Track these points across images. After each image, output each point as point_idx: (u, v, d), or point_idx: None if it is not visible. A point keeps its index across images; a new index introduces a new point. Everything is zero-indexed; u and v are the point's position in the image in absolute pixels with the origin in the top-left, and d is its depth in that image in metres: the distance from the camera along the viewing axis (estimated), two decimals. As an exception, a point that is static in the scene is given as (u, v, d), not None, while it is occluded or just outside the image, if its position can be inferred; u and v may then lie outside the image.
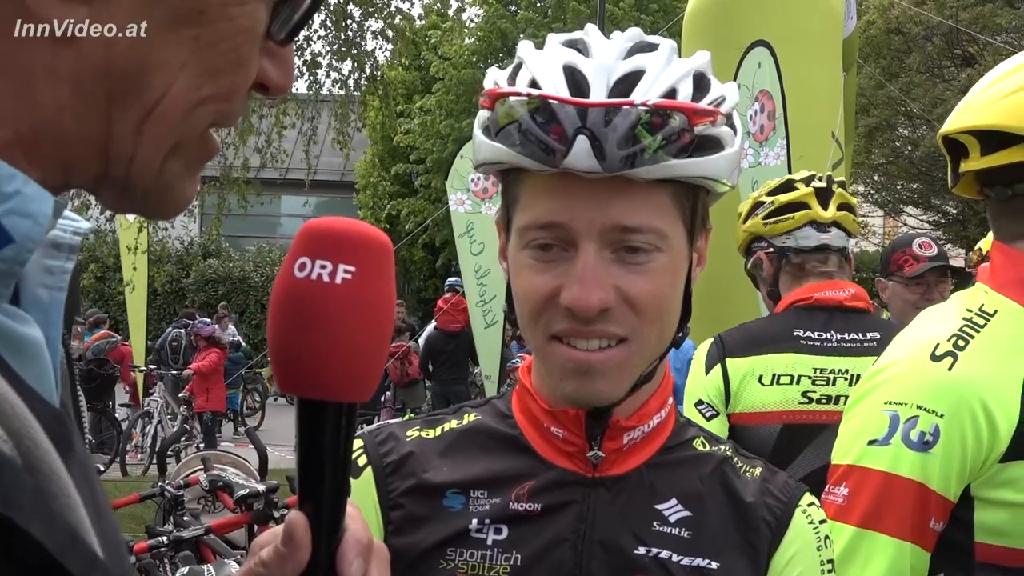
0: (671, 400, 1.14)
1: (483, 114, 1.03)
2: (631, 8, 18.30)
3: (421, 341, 11.22)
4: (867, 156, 17.44)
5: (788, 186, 2.57)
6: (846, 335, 2.43)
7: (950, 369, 1.35)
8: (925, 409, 1.34)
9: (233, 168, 10.16)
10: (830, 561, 1.11)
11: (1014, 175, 1.39)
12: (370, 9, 10.12)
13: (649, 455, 1.10)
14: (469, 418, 1.16)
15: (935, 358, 1.36)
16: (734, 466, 1.13)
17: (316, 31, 9.92)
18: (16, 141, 0.54)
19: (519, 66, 1.03)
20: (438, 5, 12.26)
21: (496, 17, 19.65)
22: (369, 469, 1.10)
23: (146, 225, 11.08)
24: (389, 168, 21.59)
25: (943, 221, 18.51)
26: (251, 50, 0.61)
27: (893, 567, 1.34)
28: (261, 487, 4.53)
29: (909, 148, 17.60)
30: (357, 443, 1.12)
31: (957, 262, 3.95)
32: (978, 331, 1.38)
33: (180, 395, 11.77)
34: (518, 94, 0.98)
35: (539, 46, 1.06)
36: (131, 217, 10.57)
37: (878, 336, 2.40)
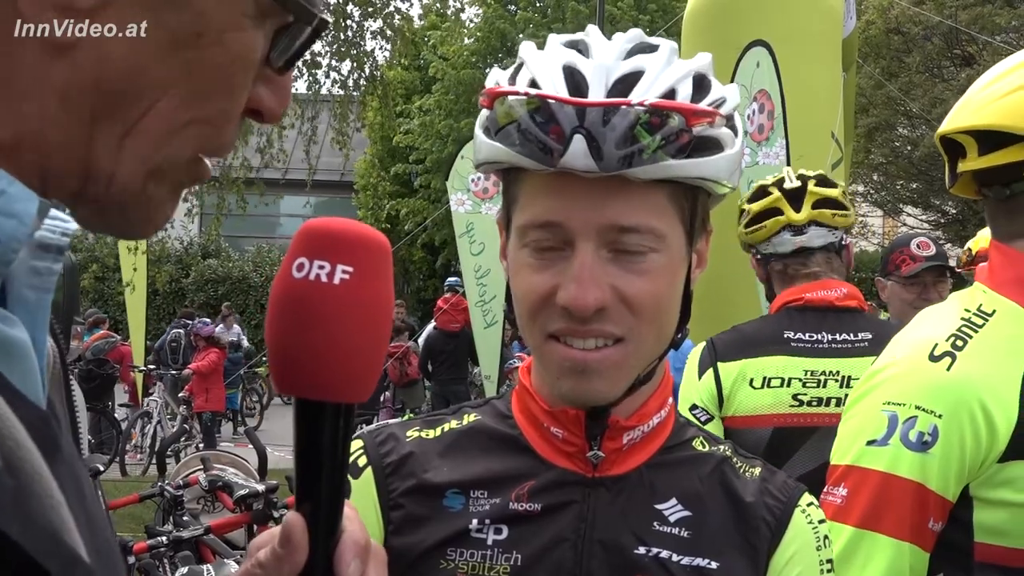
0: (671, 400, 1.14)
1: (483, 114, 1.03)
2: (630, 8, 18.29)
3: (420, 341, 11.21)
4: (866, 156, 17.46)
5: (762, 192, 2.52)
6: (837, 336, 2.41)
7: (948, 369, 1.34)
8: (924, 409, 1.34)
9: (233, 168, 10.15)
10: (829, 561, 1.11)
11: (1012, 175, 1.39)
12: (369, 9, 10.12)
13: (649, 455, 1.10)
14: (469, 418, 1.16)
15: (933, 358, 1.36)
16: (733, 466, 1.13)
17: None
18: None
19: (520, 66, 1.03)
20: (437, 5, 12.25)
21: (495, 17, 19.65)
22: (369, 469, 1.10)
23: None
24: (388, 168, 21.59)
25: (943, 221, 18.52)
26: (244, 78, 0.61)
27: (892, 567, 1.34)
28: (260, 487, 4.53)
29: (908, 148, 17.62)
30: (357, 443, 1.12)
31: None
32: (976, 331, 1.38)
33: (179, 395, 11.77)
34: (517, 94, 0.98)
35: (539, 46, 1.06)
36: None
37: (870, 336, 2.38)
